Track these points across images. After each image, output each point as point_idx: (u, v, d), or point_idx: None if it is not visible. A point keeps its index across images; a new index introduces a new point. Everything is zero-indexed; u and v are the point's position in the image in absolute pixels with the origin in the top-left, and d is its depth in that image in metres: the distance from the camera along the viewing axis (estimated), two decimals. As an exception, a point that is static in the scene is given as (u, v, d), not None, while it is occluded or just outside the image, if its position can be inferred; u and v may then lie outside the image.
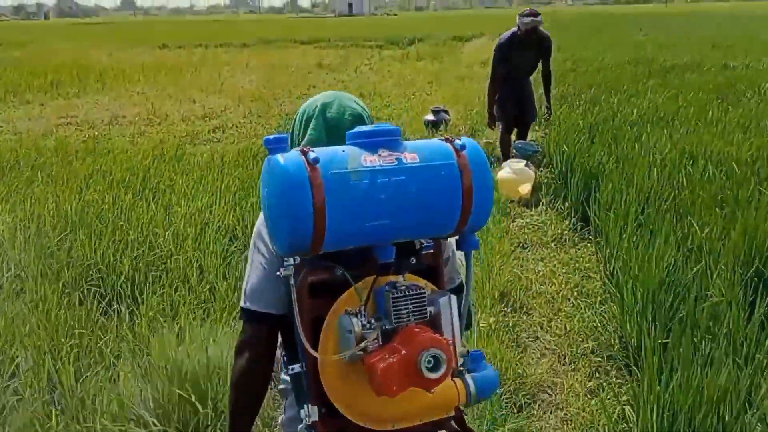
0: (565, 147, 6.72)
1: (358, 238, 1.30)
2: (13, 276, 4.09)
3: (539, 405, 3.12)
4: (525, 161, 6.33)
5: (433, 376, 1.24)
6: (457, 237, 1.42)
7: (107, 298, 3.87)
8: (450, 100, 11.09)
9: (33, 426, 2.70)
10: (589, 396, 3.15)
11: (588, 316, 3.85)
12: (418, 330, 1.30)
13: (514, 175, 6.09)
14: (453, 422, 1.46)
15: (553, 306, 4.05)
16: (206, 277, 4.04)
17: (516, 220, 5.65)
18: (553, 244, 5.05)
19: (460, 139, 1.38)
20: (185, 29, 47.06)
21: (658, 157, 6.05)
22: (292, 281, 1.32)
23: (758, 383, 2.83)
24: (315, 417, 1.36)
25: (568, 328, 3.76)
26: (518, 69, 6.64)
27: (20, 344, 3.21)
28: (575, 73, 13.49)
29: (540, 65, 6.79)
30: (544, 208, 5.85)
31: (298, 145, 1.55)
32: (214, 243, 4.46)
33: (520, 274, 4.43)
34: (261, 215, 1.52)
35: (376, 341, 1.30)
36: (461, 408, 1.45)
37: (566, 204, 5.68)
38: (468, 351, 1.43)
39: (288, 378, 1.58)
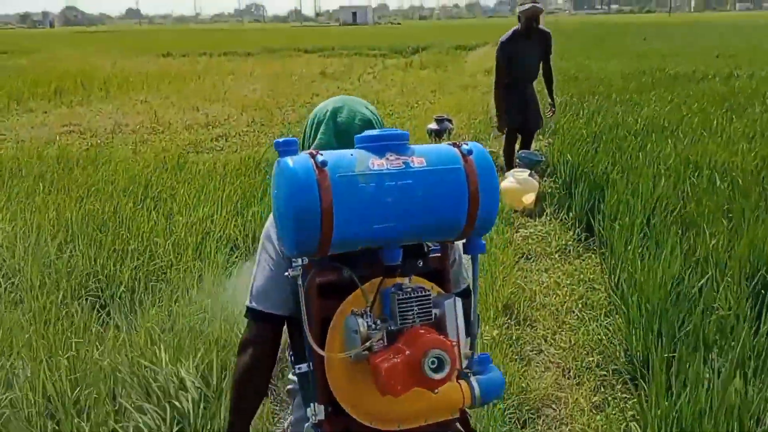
0: (570, 156, 6.68)
1: (365, 240, 1.32)
2: (12, 285, 4.06)
3: (543, 420, 3.06)
4: (529, 171, 6.28)
5: (436, 376, 1.26)
6: (463, 240, 1.44)
7: (107, 309, 3.84)
8: (453, 108, 11.06)
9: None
10: (594, 411, 3.10)
11: (593, 329, 3.79)
12: (422, 331, 1.32)
13: (517, 184, 6.04)
14: (458, 424, 1.48)
15: (557, 318, 4.00)
16: (207, 287, 3.99)
17: (519, 230, 5.60)
18: (557, 255, 4.99)
19: (467, 144, 1.40)
20: (190, 38, 47.25)
21: (662, 167, 6.01)
22: (300, 282, 1.34)
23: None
24: (321, 416, 1.39)
25: (572, 341, 3.71)
26: (522, 72, 6.54)
27: (17, 355, 3.17)
28: (578, 81, 13.47)
29: (541, 66, 6.74)
30: (548, 218, 5.80)
31: (309, 148, 1.56)
32: (215, 253, 4.42)
33: (524, 285, 4.38)
34: (270, 216, 1.55)
35: (381, 341, 1.32)
36: (466, 410, 1.47)
37: (570, 214, 5.63)
38: (473, 353, 1.45)
39: (295, 378, 1.61)
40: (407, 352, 1.28)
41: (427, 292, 1.37)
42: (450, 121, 9.37)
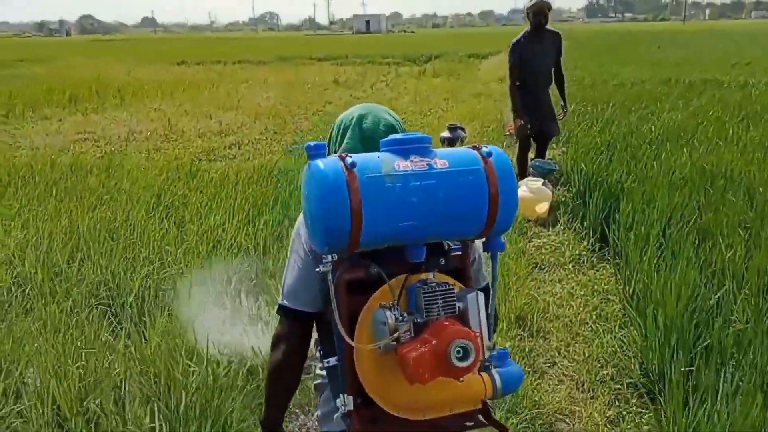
0: (583, 165, 6.62)
1: (391, 237, 1.38)
2: (22, 293, 4.06)
3: (557, 434, 3.01)
4: (542, 180, 6.23)
5: (462, 365, 1.31)
6: (483, 239, 1.50)
7: (118, 317, 3.82)
8: (466, 117, 11.03)
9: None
10: (609, 426, 3.03)
11: (607, 341, 3.73)
12: (447, 323, 1.37)
13: (531, 194, 5.98)
14: (480, 415, 1.53)
15: (571, 330, 3.94)
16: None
17: (533, 240, 5.54)
18: (570, 266, 4.93)
19: (486, 147, 1.45)
20: (205, 46, 47.57)
21: (678, 176, 5.94)
22: (330, 277, 1.40)
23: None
24: (350, 406, 1.45)
25: (586, 354, 3.65)
26: (534, 73, 6.48)
27: (26, 365, 3.16)
28: (592, 89, 13.39)
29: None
30: (561, 227, 5.74)
31: (336, 153, 1.60)
32: (226, 261, 4.40)
33: (537, 296, 4.33)
34: (300, 216, 1.63)
35: (408, 333, 1.38)
36: (487, 401, 1.52)
37: (584, 224, 5.56)
38: (494, 347, 1.50)
39: (324, 373, 1.71)
40: (434, 342, 1.33)
41: (451, 287, 1.43)
42: (463, 129, 9.33)
